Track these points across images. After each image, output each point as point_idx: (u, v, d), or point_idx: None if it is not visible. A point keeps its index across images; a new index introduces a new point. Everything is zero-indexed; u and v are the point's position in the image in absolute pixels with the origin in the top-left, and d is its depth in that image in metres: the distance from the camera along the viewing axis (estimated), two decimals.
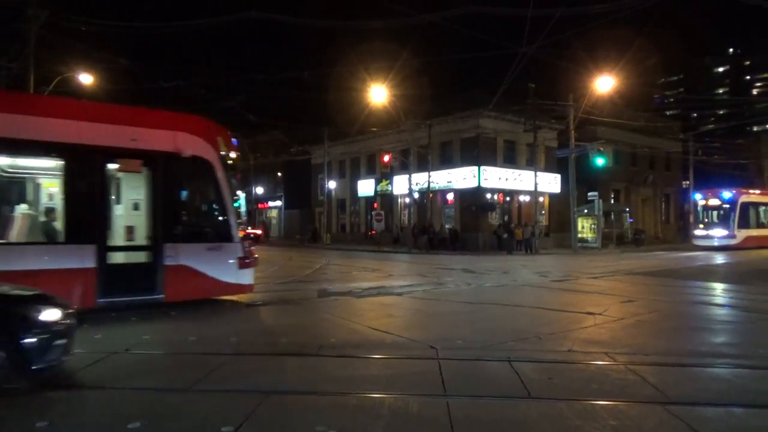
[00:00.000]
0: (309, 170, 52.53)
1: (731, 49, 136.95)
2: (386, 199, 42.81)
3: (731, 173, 46.30)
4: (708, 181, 43.49)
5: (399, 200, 42.64)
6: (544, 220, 38.24)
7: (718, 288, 14.64)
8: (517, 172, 36.67)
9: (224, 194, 10.49)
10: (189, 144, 10.10)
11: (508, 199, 37.62)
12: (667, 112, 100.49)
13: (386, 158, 38.08)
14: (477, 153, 35.26)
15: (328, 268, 21.33)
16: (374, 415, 4.81)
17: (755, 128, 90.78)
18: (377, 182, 43.90)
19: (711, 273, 18.73)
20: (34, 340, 5.05)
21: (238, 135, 10.90)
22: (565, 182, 36.03)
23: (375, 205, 43.17)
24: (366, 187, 45.29)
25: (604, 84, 28.33)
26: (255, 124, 38.07)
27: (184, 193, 10.85)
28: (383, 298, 12.35)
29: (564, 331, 8.47)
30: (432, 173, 35.61)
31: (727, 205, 33.67)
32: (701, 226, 34.84)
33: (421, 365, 6.51)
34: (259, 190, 58.75)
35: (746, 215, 33.90)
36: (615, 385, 5.66)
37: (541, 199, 36.56)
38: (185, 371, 6.11)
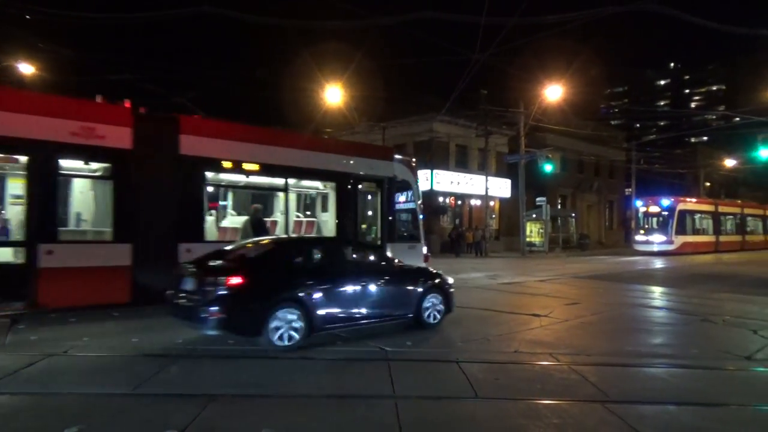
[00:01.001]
0: None
1: (672, 64, 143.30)
2: None
3: (671, 182, 48.46)
4: (649, 188, 45.34)
5: None
6: (494, 224, 38.97)
7: (657, 291, 15.29)
8: (468, 176, 37.25)
9: (417, 208, 14.17)
10: (400, 171, 13.62)
11: (459, 202, 38.16)
12: (612, 122, 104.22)
13: None
14: (430, 156, 35.62)
15: None
16: (321, 416, 4.79)
17: (693, 140, 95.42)
18: None
19: (650, 277, 19.53)
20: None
21: None
22: (515, 187, 36.84)
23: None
24: None
25: (553, 93, 29.14)
26: None
27: (397, 206, 13.88)
28: None
29: (511, 333, 8.66)
30: None
31: (666, 213, 35.17)
32: (642, 231, 36.25)
33: (370, 366, 6.53)
34: None
35: (683, 222, 35.52)
36: (558, 384, 5.83)
37: (491, 203, 37.24)
38: (127, 374, 5.92)
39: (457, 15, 11.36)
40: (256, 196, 12.83)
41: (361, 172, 12.85)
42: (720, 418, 4.91)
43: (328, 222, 13.06)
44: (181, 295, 7.37)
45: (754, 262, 28.90)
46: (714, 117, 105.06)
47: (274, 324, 7.00)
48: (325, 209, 13.64)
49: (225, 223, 12.11)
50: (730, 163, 52.09)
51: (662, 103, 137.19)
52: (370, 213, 13.67)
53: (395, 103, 37.70)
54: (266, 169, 11.49)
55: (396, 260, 9.32)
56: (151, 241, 9.80)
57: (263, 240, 9.14)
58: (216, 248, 8.55)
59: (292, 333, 7.13)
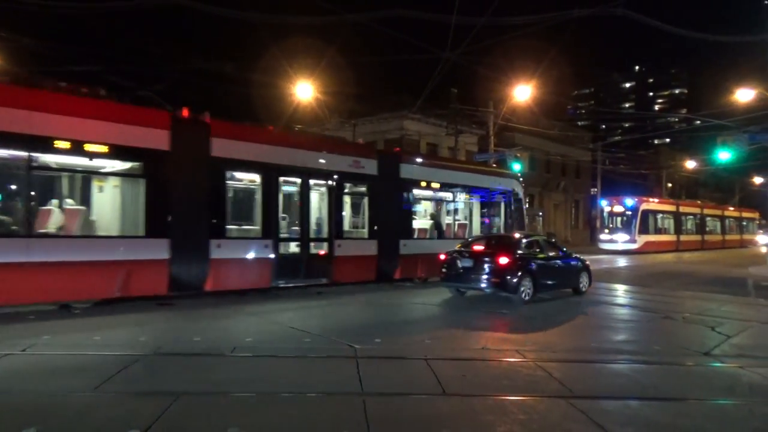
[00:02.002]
0: None
1: (637, 67, 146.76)
2: None
3: (635, 182, 49.61)
4: (614, 188, 46.33)
5: None
6: None
7: (620, 289, 15.63)
8: None
9: (524, 212, 19.32)
10: (513, 186, 18.77)
11: None
12: (579, 123, 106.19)
13: None
14: None
15: None
16: (289, 414, 4.75)
17: (656, 141, 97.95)
18: None
19: (614, 275, 19.97)
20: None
21: None
22: None
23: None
24: None
25: (522, 93, 29.46)
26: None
27: (516, 213, 18.65)
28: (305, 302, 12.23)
29: (479, 330, 8.74)
30: None
31: (630, 212, 36.01)
32: (606, 231, 37.02)
33: (339, 364, 6.50)
34: None
35: (646, 222, 36.42)
36: (524, 381, 5.91)
37: None
38: (89, 373, 5.76)
39: (428, 13, 11.40)
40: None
41: (488, 187, 17.88)
42: (679, 412, 5.05)
43: (474, 223, 17.90)
44: (460, 270, 11.96)
45: (713, 261, 29.84)
46: (676, 120, 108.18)
47: (522, 287, 11.45)
48: (472, 214, 18.07)
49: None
50: (690, 164, 53.62)
51: (627, 105, 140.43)
52: (503, 214, 18.41)
53: (366, 100, 37.62)
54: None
55: (564, 249, 14.04)
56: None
57: (506, 235, 14.84)
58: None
59: (529, 292, 11.58)
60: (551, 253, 13.09)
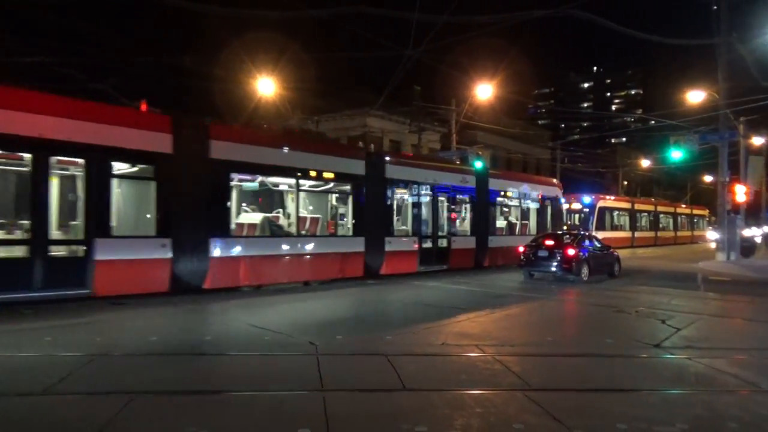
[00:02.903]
0: None
1: (595, 68, 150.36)
2: None
3: (593, 180, 50.90)
4: (572, 186, 47.39)
5: None
6: None
7: (576, 285, 16.00)
8: None
9: (563, 213, 24.28)
10: (556, 193, 23.56)
11: None
12: (539, 122, 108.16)
13: None
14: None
15: None
16: (247, 413, 4.71)
17: (613, 140, 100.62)
18: None
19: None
20: None
21: None
22: None
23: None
24: None
25: (484, 91, 29.84)
26: None
27: (559, 214, 23.83)
28: (270, 297, 12.12)
29: (439, 326, 8.84)
30: None
31: (587, 209, 36.91)
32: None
33: (299, 361, 6.48)
34: None
35: (603, 219, 37.41)
36: (482, 374, 6.01)
37: None
38: (38, 374, 5.58)
39: (390, 11, 11.43)
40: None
41: (542, 196, 22.59)
42: (631, 403, 5.22)
43: (530, 223, 22.45)
44: (537, 258, 16.19)
45: (666, 257, 30.87)
46: (632, 120, 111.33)
47: (582, 271, 15.86)
48: (525, 217, 22.43)
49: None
50: (645, 163, 55.33)
51: (586, 105, 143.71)
52: (552, 215, 23.09)
53: (330, 96, 37.44)
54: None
55: (602, 243, 18.18)
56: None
57: (570, 233, 20.64)
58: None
59: (586, 273, 15.94)
60: (597, 246, 17.49)
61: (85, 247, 9.61)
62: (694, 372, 6.36)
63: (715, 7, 20.12)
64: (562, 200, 24.47)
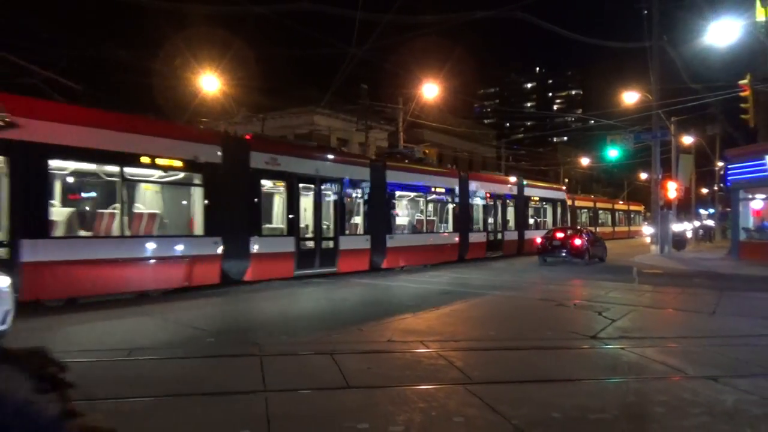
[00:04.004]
0: None
1: (538, 68, 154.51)
2: None
3: (536, 177, 52.28)
4: None
5: None
6: None
7: (517, 280, 16.44)
8: None
9: (567, 210, 32.62)
10: (563, 195, 32.02)
11: None
12: (485, 121, 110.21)
13: None
14: None
15: None
16: (188, 413, 4.61)
17: (555, 139, 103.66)
18: None
19: (509, 266, 20.97)
20: None
21: None
22: None
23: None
24: None
25: (430, 90, 30.18)
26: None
27: (564, 212, 31.37)
28: (217, 299, 11.86)
29: (385, 322, 8.88)
30: None
31: None
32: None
33: (242, 362, 6.38)
34: None
35: None
36: (426, 370, 6.08)
37: None
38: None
39: (333, 8, 11.38)
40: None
41: (553, 198, 29.81)
42: (568, 393, 5.39)
43: (548, 218, 29.59)
44: (551, 247, 21.08)
45: None
46: (572, 119, 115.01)
47: (586, 256, 20.77)
48: (540, 215, 29.13)
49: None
50: (585, 161, 57.32)
51: (529, 105, 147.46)
52: (561, 212, 30.33)
53: (275, 93, 36.92)
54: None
55: (596, 234, 25.64)
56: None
57: (575, 227, 27.50)
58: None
59: (587, 259, 20.86)
60: (593, 237, 22.59)
61: None
62: (627, 361, 6.64)
63: (646, 12, 21.04)
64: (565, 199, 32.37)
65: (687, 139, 34.59)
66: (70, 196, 11.33)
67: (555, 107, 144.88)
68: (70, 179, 11.24)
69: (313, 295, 12.66)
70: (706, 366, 6.28)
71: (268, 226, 14.38)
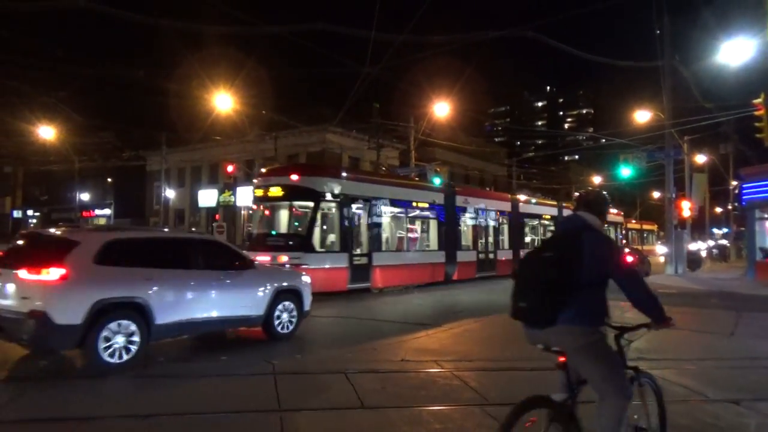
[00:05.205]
0: (144, 177, 48.98)
1: (549, 87, 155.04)
2: (229, 210, 41.38)
3: (547, 196, 52.12)
4: None
5: (242, 212, 41.46)
6: None
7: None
8: None
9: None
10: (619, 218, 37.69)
11: None
12: (496, 139, 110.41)
13: (230, 168, 36.83)
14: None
15: None
16: None
17: (566, 158, 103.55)
18: (220, 192, 42.28)
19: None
20: None
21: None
22: None
23: (217, 216, 41.45)
24: (207, 197, 43.36)
25: (441, 109, 30.35)
26: (81, 123, 34.69)
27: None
28: None
29: (398, 342, 8.82)
30: None
31: None
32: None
33: (256, 381, 6.35)
34: (85, 197, 53.39)
35: None
36: (441, 390, 6.02)
37: None
38: None
39: (348, 28, 11.52)
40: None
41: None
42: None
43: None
44: None
45: None
46: (584, 138, 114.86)
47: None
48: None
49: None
50: (597, 180, 57.08)
51: (540, 123, 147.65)
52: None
53: (288, 112, 37.28)
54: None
55: (643, 252, 28.72)
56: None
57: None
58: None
59: None
60: (640, 255, 25.97)
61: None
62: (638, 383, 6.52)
63: (658, 32, 21.08)
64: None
65: (700, 158, 34.39)
66: (386, 227, 17.68)
67: (566, 126, 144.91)
68: (387, 219, 17.63)
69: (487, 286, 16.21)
70: (727, 389, 6.16)
71: (464, 243, 21.25)
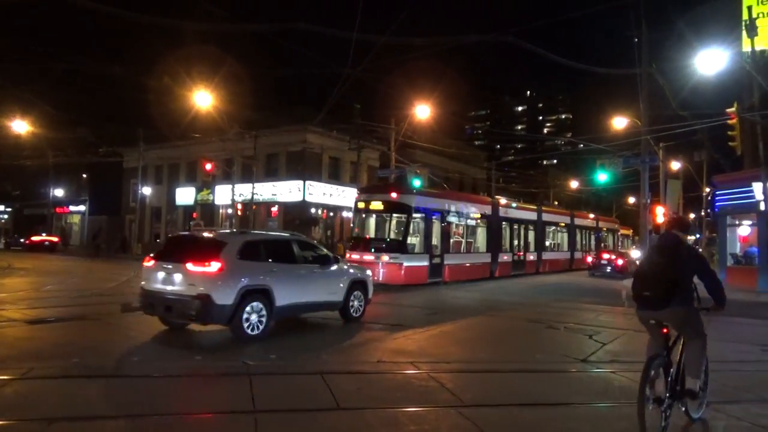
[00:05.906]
0: (120, 174, 48.20)
1: (528, 92, 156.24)
2: (207, 208, 40.93)
3: (526, 200, 52.58)
4: None
5: (221, 210, 41.05)
6: None
7: (507, 301, 16.40)
8: (340, 188, 37.58)
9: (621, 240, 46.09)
10: (616, 225, 45.82)
11: (331, 214, 38.33)
12: (476, 142, 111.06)
13: (208, 166, 36.38)
14: (302, 167, 35.45)
15: (137, 280, 19.62)
16: None
17: (545, 162, 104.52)
18: (198, 191, 41.80)
19: (501, 288, 20.96)
20: None
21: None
22: None
23: (194, 214, 40.98)
24: (185, 195, 42.86)
25: (422, 111, 30.42)
26: (56, 118, 34.00)
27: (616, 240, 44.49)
28: None
29: (375, 343, 8.82)
30: (257, 185, 34.96)
31: None
32: None
33: (230, 381, 6.29)
34: (59, 193, 52.35)
35: None
36: (417, 392, 6.03)
37: None
38: None
39: (329, 29, 11.48)
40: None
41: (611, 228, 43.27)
42: (560, 416, 5.37)
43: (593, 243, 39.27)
44: (601, 265, 30.09)
45: None
46: (562, 142, 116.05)
47: (625, 271, 27.73)
48: (602, 239, 40.73)
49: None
50: (574, 184, 57.78)
51: (519, 127, 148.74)
52: (613, 240, 43.24)
53: (268, 111, 37.06)
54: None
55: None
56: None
57: (614, 251, 35.82)
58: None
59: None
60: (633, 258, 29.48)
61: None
62: (619, 385, 6.63)
63: (636, 40, 21.39)
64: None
65: (675, 165, 35.02)
66: (453, 233, 22.05)
67: (545, 130, 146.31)
68: (453, 227, 22.00)
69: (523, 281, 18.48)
70: None
71: (504, 247, 25.51)
